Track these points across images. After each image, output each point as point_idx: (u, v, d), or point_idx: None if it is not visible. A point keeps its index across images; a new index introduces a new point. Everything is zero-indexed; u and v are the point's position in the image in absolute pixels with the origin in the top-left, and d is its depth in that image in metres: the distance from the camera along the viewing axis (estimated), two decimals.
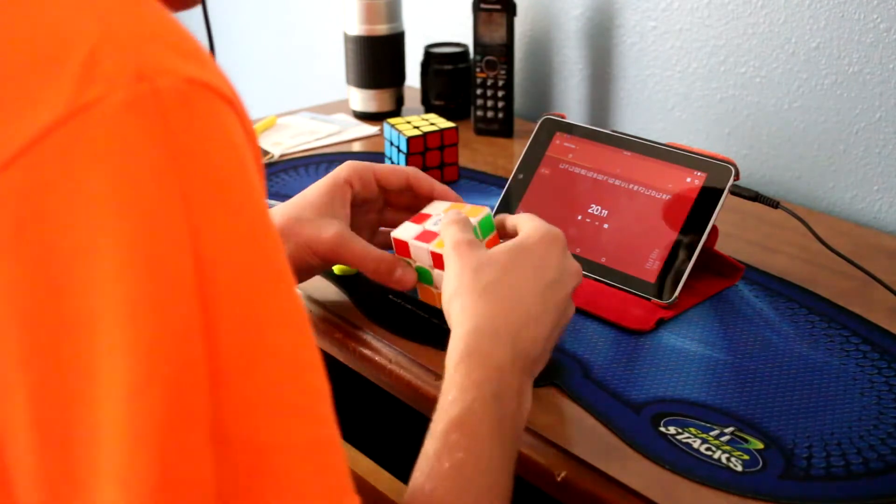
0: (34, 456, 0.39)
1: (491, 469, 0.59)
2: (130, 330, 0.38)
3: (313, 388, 0.44)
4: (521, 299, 0.68)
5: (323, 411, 0.44)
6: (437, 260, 0.79)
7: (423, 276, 0.81)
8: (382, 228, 0.90)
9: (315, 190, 0.84)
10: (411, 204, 0.87)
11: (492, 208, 0.98)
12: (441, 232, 0.76)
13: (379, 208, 0.89)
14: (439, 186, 0.86)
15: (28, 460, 0.39)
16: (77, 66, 0.39)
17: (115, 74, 0.39)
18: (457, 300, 0.68)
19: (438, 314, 0.84)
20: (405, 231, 0.81)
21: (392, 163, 1.18)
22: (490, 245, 0.79)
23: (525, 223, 0.75)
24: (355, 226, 0.85)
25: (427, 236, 0.80)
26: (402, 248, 0.81)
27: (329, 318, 0.87)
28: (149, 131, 0.39)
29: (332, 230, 0.80)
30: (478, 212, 0.80)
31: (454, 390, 0.61)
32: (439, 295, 0.79)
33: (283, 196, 1.13)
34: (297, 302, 0.44)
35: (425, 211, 0.83)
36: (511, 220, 0.78)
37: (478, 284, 0.68)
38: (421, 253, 0.80)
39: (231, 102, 0.43)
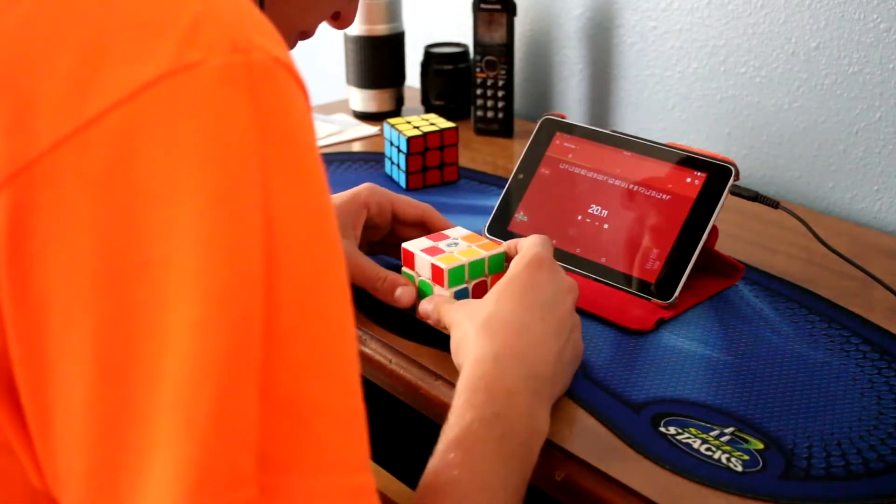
0: (90, 387, 0.41)
1: (490, 486, 0.59)
2: (203, 272, 0.41)
3: (351, 359, 0.46)
4: (522, 326, 0.70)
5: (357, 384, 0.46)
6: (437, 274, 0.80)
7: (425, 292, 0.82)
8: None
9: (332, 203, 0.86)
10: (419, 236, 0.88)
11: (492, 208, 0.98)
12: (436, 310, 0.78)
13: (385, 234, 0.92)
14: (452, 226, 0.89)
15: (81, 392, 0.41)
16: (182, 31, 0.43)
17: (215, 43, 0.43)
18: (461, 351, 0.71)
19: None
20: (416, 244, 0.83)
21: (392, 163, 1.18)
22: (496, 282, 0.81)
23: (514, 258, 0.77)
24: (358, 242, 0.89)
25: (434, 251, 0.82)
26: (409, 258, 0.83)
27: None
28: (239, 96, 0.43)
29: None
30: (492, 247, 0.82)
31: (454, 415, 0.62)
32: None
33: None
34: (346, 277, 0.47)
35: (444, 232, 0.86)
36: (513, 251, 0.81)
37: (475, 324, 0.71)
38: (424, 265, 0.81)
39: (304, 88, 0.47)
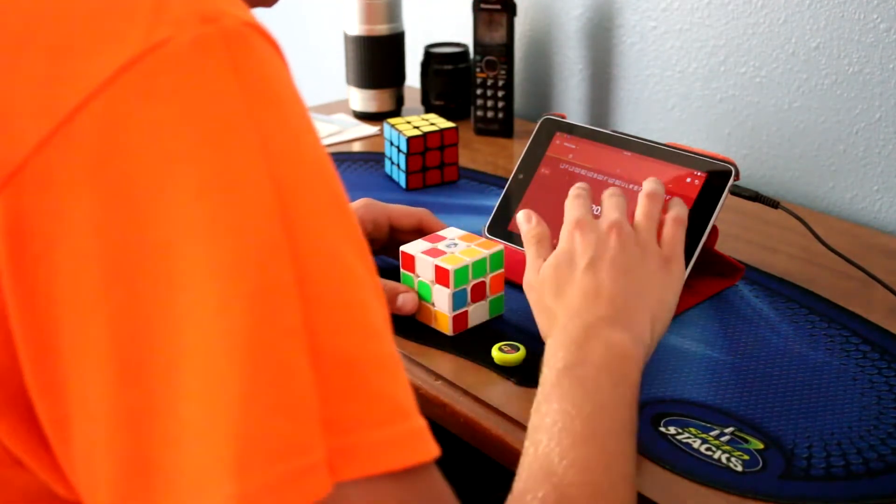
0: (110, 386, 0.40)
1: (594, 425, 0.61)
2: (211, 251, 0.40)
3: (383, 312, 0.46)
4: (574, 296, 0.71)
5: (390, 334, 0.46)
6: (441, 276, 0.80)
7: (424, 294, 0.82)
8: None
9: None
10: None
11: (492, 208, 0.98)
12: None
13: (385, 243, 0.92)
14: (447, 227, 0.89)
15: (101, 392, 0.40)
16: (147, 11, 0.42)
17: (183, 17, 0.42)
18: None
19: None
20: (415, 247, 0.83)
21: (392, 163, 1.18)
22: (495, 281, 0.82)
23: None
24: None
25: (435, 253, 0.82)
26: (408, 262, 0.83)
27: None
28: (217, 65, 0.42)
29: None
30: (490, 246, 0.83)
31: (543, 372, 0.65)
32: (437, 314, 0.82)
33: None
34: (359, 229, 0.46)
35: (440, 234, 0.86)
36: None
37: (546, 300, 0.73)
38: (426, 267, 0.81)
39: (278, 48, 0.46)
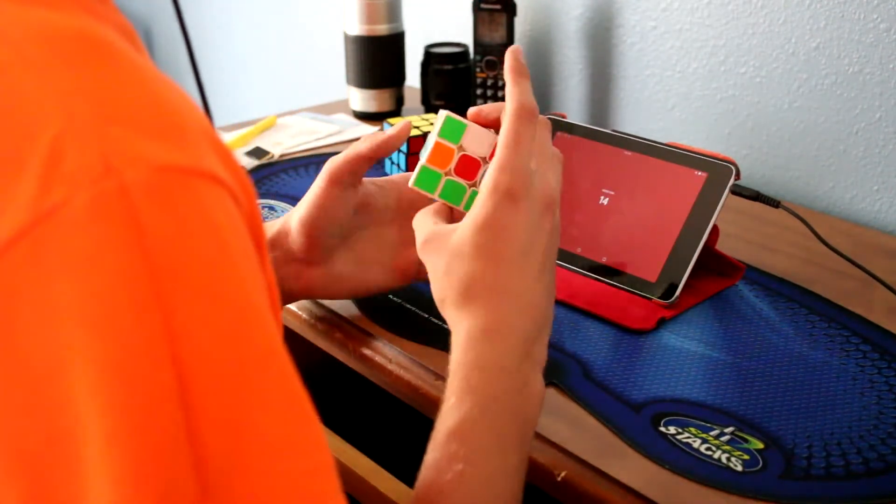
0: None
1: (492, 477, 0.57)
2: (111, 455, 0.36)
3: (313, 469, 0.42)
4: (503, 290, 0.61)
5: (327, 490, 0.42)
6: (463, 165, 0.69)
7: (449, 192, 0.70)
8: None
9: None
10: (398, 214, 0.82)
11: None
12: (414, 224, 0.69)
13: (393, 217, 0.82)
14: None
15: None
16: (39, 163, 0.36)
17: (79, 171, 0.36)
18: (443, 303, 0.64)
19: (439, 314, 0.84)
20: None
21: (392, 163, 1.18)
22: (462, 165, 0.70)
23: (483, 182, 0.63)
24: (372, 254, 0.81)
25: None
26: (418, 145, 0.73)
27: (329, 319, 0.87)
28: (116, 235, 0.36)
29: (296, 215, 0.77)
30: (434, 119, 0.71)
31: (452, 398, 0.59)
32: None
33: (282, 196, 1.13)
34: (289, 382, 0.42)
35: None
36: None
37: (455, 289, 0.62)
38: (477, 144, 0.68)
39: (214, 178, 0.40)
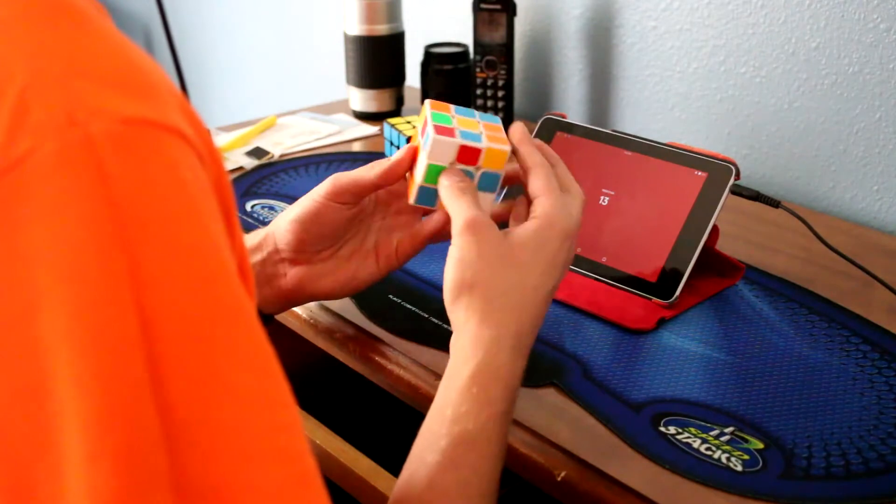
0: None
1: (491, 487, 0.59)
2: (79, 401, 0.37)
3: (280, 424, 0.42)
4: (521, 308, 0.64)
5: (294, 447, 0.42)
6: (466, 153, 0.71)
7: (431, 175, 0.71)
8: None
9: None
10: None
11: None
12: (447, 202, 0.69)
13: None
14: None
15: None
16: (6, 115, 0.37)
17: (45, 122, 0.37)
18: (471, 295, 0.64)
19: (439, 314, 0.84)
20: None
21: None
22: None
23: (543, 200, 0.68)
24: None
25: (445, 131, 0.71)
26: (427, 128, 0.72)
27: (329, 319, 0.87)
28: (82, 184, 0.37)
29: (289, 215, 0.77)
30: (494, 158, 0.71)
31: (467, 405, 0.59)
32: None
33: (282, 196, 1.13)
34: (256, 338, 0.42)
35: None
36: (533, 186, 0.70)
37: (499, 284, 0.64)
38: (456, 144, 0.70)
39: (180, 133, 0.40)
